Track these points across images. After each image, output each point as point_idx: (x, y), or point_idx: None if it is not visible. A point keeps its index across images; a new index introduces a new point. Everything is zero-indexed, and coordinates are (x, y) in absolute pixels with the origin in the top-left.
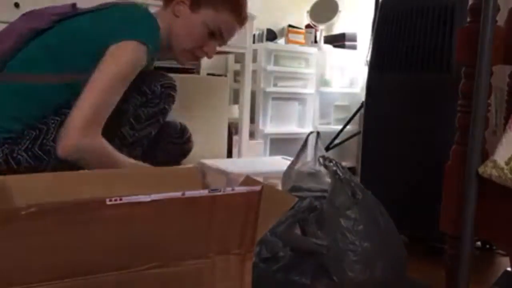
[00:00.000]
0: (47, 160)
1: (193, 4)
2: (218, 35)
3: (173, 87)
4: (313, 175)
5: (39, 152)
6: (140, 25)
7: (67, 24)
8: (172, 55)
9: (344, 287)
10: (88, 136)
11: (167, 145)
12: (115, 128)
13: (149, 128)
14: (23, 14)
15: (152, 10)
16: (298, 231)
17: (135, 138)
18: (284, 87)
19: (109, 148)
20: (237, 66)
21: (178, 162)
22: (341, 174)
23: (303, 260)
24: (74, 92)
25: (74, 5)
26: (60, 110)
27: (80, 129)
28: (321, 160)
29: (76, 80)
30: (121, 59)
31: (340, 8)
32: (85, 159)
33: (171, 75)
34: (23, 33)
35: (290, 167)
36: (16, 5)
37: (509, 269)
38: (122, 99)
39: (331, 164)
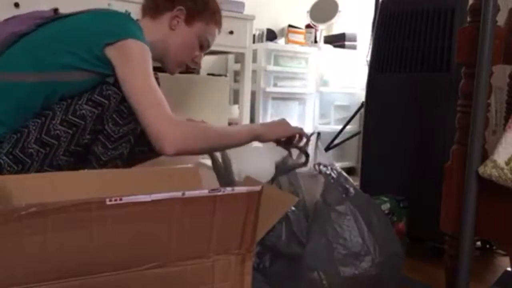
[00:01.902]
0: (29, 163)
1: (188, 19)
2: (205, 46)
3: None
4: (312, 176)
5: (21, 155)
6: (133, 28)
7: (49, 27)
8: (163, 65)
9: (334, 281)
10: (176, 125)
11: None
12: (96, 123)
13: (133, 123)
14: (6, 20)
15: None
16: (282, 228)
17: (120, 134)
18: (284, 87)
19: (201, 123)
20: (237, 66)
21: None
22: (334, 175)
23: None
24: (54, 92)
25: (56, 10)
26: (41, 112)
27: (165, 123)
28: (316, 166)
29: (53, 79)
30: (137, 56)
31: (340, 8)
32: (192, 143)
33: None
34: (6, 37)
35: None
36: (16, 5)
37: (509, 269)
38: (104, 94)
39: (325, 168)
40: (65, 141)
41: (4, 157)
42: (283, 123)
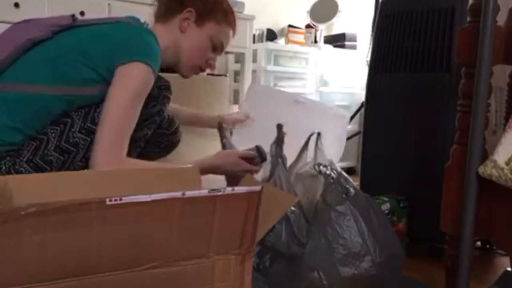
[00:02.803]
0: (48, 170)
1: (198, 20)
2: (219, 47)
3: (168, 88)
4: (312, 177)
5: (41, 163)
6: (147, 48)
7: (68, 36)
8: (177, 69)
9: (333, 281)
10: (111, 164)
11: (158, 137)
12: None
13: (145, 129)
14: (19, 23)
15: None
16: (282, 228)
17: (131, 139)
18: (284, 87)
19: (137, 165)
20: (237, 66)
21: (166, 154)
22: (334, 175)
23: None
24: (71, 104)
25: (73, 16)
26: (59, 119)
27: (102, 158)
28: (316, 167)
29: (73, 93)
30: (133, 82)
31: (340, 8)
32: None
33: (172, 75)
34: (21, 43)
35: (290, 168)
36: (16, 5)
37: (509, 269)
38: None
39: (325, 169)
40: (83, 148)
41: (25, 165)
42: (234, 159)
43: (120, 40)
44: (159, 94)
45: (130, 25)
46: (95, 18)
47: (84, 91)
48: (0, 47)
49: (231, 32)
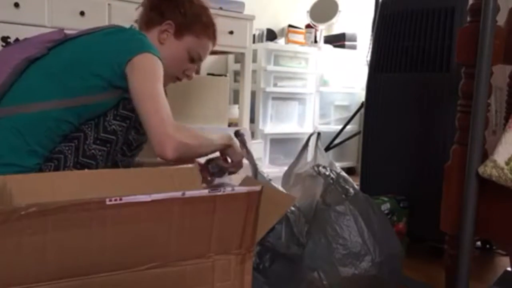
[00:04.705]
0: None
1: (177, 32)
2: (197, 59)
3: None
4: (312, 177)
5: None
6: (147, 43)
7: (65, 49)
8: None
9: (333, 281)
10: (178, 130)
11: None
12: (124, 136)
13: None
14: (10, 45)
15: None
16: (282, 229)
17: (138, 142)
18: (284, 87)
19: (196, 130)
20: (237, 66)
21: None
22: (333, 176)
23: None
24: (80, 116)
25: (62, 30)
26: (70, 135)
27: (168, 128)
28: (315, 168)
29: (81, 103)
30: (150, 68)
31: (340, 8)
32: (192, 147)
33: None
34: (17, 64)
35: (290, 168)
36: (16, 5)
37: (509, 269)
38: (128, 108)
39: (324, 169)
40: (101, 159)
41: None
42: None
43: (121, 40)
44: None
45: (124, 28)
46: (83, 30)
47: (91, 100)
48: None
49: (210, 44)
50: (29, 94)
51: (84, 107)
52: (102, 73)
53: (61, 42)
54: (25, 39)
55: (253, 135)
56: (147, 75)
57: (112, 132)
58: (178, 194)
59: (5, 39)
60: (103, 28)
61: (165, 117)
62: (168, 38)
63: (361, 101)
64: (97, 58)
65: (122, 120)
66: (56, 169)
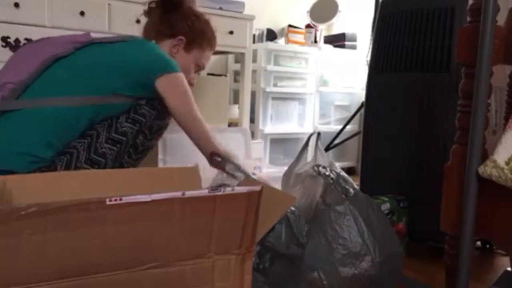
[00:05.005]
0: None
1: (186, 47)
2: (201, 68)
3: None
4: (312, 177)
5: None
6: (173, 62)
7: (92, 51)
8: None
9: (333, 281)
10: (221, 144)
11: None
12: (133, 138)
13: (154, 139)
14: (39, 40)
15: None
16: (282, 229)
17: (144, 147)
18: (284, 87)
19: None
20: (237, 66)
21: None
22: (333, 176)
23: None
24: (98, 113)
25: (89, 33)
26: (85, 132)
27: (217, 143)
28: (315, 168)
29: (102, 102)
30: (182, 86)
31: (340, 8)
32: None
33: None
34: (46, 59)
35: (290, 168)
36: (16, 5)
37: (509, 269)
38: (139, 113)
39: (324, 169)
40: (111, 158)
41: None
42: None
43: (153, 53)
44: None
45: (148, 43)
46: (109, 37)
47: (111, 100)
48: (24, 61)
49: (211, 53)
50: (54, 89)
51: (102, 107)
52: (128, 79)
53: (87, 44)
54: (52, 37)
55: (253, 135)
56: (186, 97)
57: (123, 133)
58: (178, 194)
59: (5, 39)
60: (132, 38)
61: (211, 134)
62: (179, 52)
63: (361, 101)
64: (126, 66)
65: (133, 123)
66: (69, 163)
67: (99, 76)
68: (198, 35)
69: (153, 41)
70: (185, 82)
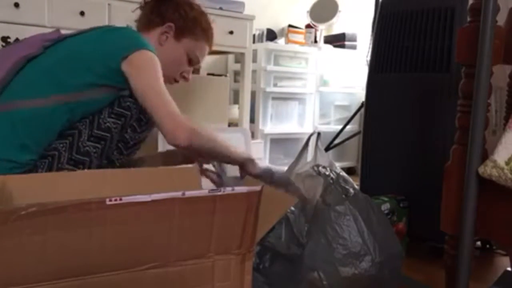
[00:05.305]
0: None
1: (177, 34)
2: (195, 62)
3: None
4: (312, 177)
5: None
6: (143, 41)
7: (60, 47)
8: None
9: (333, 281)
10: (188, 119)
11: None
12: (119, 133)
13: (146, 131)
14: (13, 43)
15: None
16: (282, 229)
17: (135, 140)
18: (284, 87)
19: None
20: (237, 66)
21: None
22: (333, 176)
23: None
24: (73, 112)
25: (58, 31)
26: (65, 132)
27: (179, 117)
28: (315, 168)
29: (73, 100)
30: (149, 64)
31: (340, 8)
32: (203, 137)
33: None
34: (16, 62)
35: (290, 168)
36: (16, 5)
37: (509, 269)
38: (123, 106)
39: (324, 169)
40: (96, 156)
41: None
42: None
43: (115, 38)
44: None
45: (120, 27)
46: (79, 30)
47: (86, 95)
48: None
49: (207, 48)
50: (25, 90)
51: (78, 104)
52: (96, 68)
53: (57, 41)
54: (25, 39)
55: (253, 135)
56: (148, 72)
57: (107, 130)
58: (178, 194)
59: (5, 39)
60: (99, 27)
61: (174, 109)
62: (168, 40)
63: (361, 101)
64: (91, 55)
65: (117, 118)
66: (50, 165)
67: (65, 73)
68: (191, 23)
69: (142, 33)
70: (154, 59)
